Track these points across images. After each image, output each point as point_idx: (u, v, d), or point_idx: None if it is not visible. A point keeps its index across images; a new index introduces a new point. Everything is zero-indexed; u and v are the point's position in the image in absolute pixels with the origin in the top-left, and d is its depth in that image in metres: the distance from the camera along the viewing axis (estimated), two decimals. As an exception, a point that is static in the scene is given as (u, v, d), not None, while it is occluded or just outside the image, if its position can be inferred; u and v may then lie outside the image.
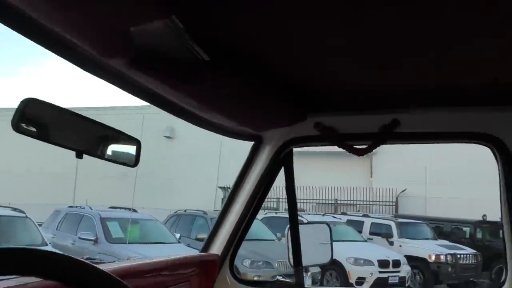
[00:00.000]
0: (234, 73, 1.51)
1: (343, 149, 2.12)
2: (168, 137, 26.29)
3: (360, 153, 2.10)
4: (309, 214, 16.24)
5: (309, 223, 2.79)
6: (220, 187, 24.54)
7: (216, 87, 1.53)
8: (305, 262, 2.27)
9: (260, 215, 15.97)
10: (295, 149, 2.29)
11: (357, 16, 1.26)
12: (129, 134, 1.56)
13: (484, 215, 16.93)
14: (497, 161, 2.03)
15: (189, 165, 25.37)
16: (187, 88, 1.50)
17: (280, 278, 2.26)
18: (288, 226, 2.35)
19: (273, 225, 13.78)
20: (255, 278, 10.11)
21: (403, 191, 23.07)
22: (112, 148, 1.48)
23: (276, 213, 16.21)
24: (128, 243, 9.78)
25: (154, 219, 10.94)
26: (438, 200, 22.04)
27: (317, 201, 23.87)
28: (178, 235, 10.69)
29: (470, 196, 20.68)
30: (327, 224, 2.58)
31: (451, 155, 19.11)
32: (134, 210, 11.91)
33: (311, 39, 1.39)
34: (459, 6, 1.19)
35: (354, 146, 2.11)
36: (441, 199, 21.94)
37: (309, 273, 10.59)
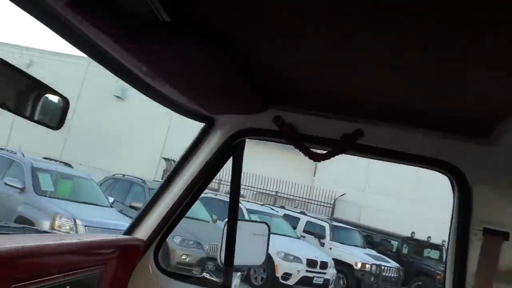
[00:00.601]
0: (193, 43, 1.28)
1: (300, 150, 1.94)
2: (119, 97, 25.42)
3: (317, 158, 1.94)
4: (248, 201, 16.14)
5: (248, 220, 2.60)
6: (164, 158, 24.00)
7: (171, 54, 1.31)
8: (236, 261, 2.09)
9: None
10: None
11: (340, 21, 1.12)
12: (56, 89, 1.27)
13: (413, 233, 17.48)
14: (453, 192, 1.95)
15: (136, 130, 24.64)
16: (138, 49, 1.25)
17: (207, 275, 2.03)
18: (226, 221, 2.15)
19: (210, 206, 13.57)
20: (183, 257, 9.87)
21: (342, 195, 23.48)
22: (34, 104, 1.18)
23: (216, 194, 15.99)
24: (57, 198, 9.26)
25: (88, 178, 10.42)
26: (373, 210, 22.60)
27: (258, 190, 23.89)
28: (111, 199, 10.23)
29: (406, 211, 21.33)
30: (267, 224, 2.42)
31: (394, 169, 19.58)
32: (68, 165, 11.31)
33: (289, 24, 1.20)
34: (437, 34, 1.11)
35: (312, 150, 1.95)
36: (376, 209, 22.50)
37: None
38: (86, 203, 9.25)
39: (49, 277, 1.38)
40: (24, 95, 1.16)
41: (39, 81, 1.20)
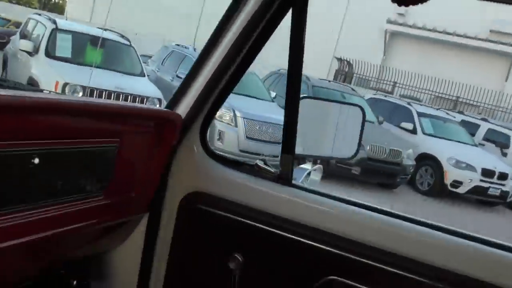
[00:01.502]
0: None
1: None
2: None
3: None
4: (421, 105, 14.94)
5: (333, 101, 1.99)
6: (337, 58, 23.31)
7: None
8: (313, 151, 1.64)
9: (369, 95, 14.99)
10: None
11: None
12: None
13: None
14: None
15: (307, 29, 24.18)
16: None
17: (261, 163, 1.61)
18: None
19: (378, 108, 12.88)
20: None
21: (539, 103, 20.39)
22: None
23: (385, 95, 15.11)
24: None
25: (252, 73, 10.55)
26: None
27: (436, 94, 22.01)
28: (274, 94, 10.25)
29: None
30: (361, 107, 1.86)
31: None
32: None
33: None
34: None
35: None
36: None
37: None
38: (248, 96, 9.41)
39: (38, 141, 1.13)
40: None
41: None
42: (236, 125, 8.47)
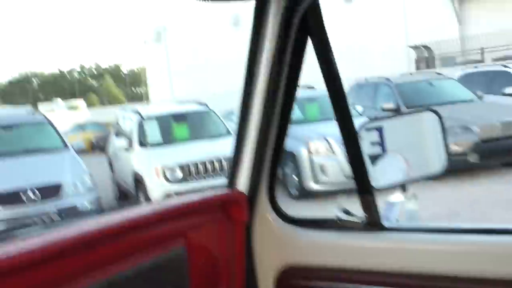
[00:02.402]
0: None
1: None
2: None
3: None
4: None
5: (383, 119, 1.76)
6: (411, 46, 22.22)
7: None
8: (390, 178, 1.47)
9: (458, 71, 14.01)
10: None
11: None
12: None
13: None
14: None
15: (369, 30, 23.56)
16: None
17: (342, 216, 1.45)
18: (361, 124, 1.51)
19: (473, 83, 11.93)
20: (455, 148, 8.91)
21: None
22: None
23: (475, 67, 14.07)
24: (308, 122, 9.39)
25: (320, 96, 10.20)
26: None
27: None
28: (360, 109, 9.84)
29: None
30: (435, 111, 1.64)
31: None
32: (311, 87, 11.34)
33: None
34: None
35: None
36: None
37: None
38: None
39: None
40: None
41: None
42: (334, 153, 8.27)
